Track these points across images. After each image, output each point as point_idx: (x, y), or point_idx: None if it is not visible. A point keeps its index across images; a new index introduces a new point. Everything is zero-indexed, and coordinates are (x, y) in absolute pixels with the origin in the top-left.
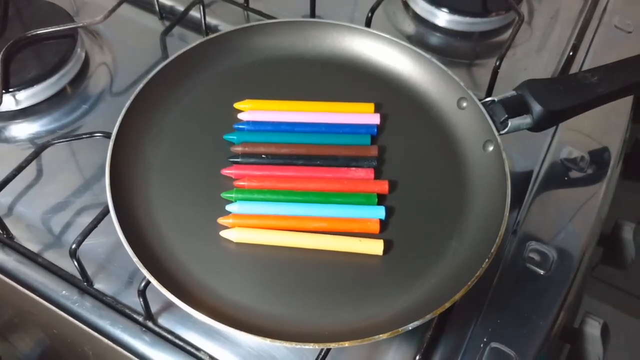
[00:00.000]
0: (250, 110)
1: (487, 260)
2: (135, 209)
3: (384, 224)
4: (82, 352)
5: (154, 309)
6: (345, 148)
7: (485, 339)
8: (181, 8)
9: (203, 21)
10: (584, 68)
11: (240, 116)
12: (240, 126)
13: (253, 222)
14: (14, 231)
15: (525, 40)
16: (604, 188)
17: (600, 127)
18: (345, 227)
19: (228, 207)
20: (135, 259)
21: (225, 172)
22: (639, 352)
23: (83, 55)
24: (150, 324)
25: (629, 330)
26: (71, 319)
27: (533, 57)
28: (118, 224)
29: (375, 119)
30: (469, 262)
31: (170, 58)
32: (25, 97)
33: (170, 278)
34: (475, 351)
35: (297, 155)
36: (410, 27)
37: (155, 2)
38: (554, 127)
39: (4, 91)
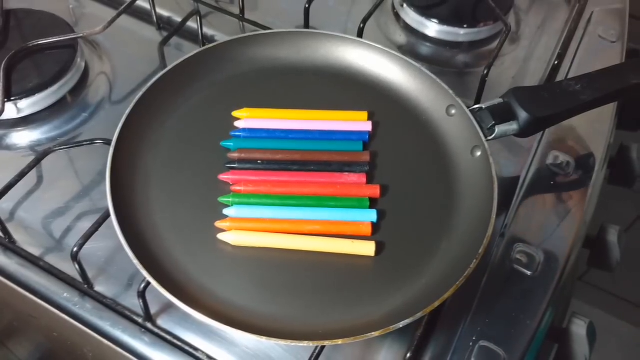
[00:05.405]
0: (247, 118)
1: (475, 260)
2: (135, 213)
3: (375, 226)
4: (82, 355)
5: (153, 310)
6: (339, 154)
7: (474, 338)
8: (178, 19)
9: (200, 32)
10: (569, 76)
11: (236, 123)
12: (237, 133)
13: (249, 226)
14: (15, 235)
15: (513, 49)
16: (589, 192)
17: (585, 133)
18: (338, 230)
19: (225, 211)
20: (135, 261)
21: (223, 177)
22: (630, 354)
23: (83, 65)
24: (149, 325)
25: (620, 333)
26: (72, 321)
27: (520, 66)
28: (119, 227)
29: (367, 126)
30: (458, 262)
31: (169, 67)
32: (26, 106)
33: (169, 279)
34: (465, 349)
35: (292, 161)
36: (401, 37)
37: (153, 13)
38: (540, 133)
39: (5, 100)
